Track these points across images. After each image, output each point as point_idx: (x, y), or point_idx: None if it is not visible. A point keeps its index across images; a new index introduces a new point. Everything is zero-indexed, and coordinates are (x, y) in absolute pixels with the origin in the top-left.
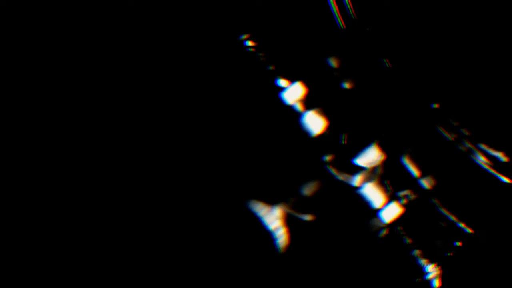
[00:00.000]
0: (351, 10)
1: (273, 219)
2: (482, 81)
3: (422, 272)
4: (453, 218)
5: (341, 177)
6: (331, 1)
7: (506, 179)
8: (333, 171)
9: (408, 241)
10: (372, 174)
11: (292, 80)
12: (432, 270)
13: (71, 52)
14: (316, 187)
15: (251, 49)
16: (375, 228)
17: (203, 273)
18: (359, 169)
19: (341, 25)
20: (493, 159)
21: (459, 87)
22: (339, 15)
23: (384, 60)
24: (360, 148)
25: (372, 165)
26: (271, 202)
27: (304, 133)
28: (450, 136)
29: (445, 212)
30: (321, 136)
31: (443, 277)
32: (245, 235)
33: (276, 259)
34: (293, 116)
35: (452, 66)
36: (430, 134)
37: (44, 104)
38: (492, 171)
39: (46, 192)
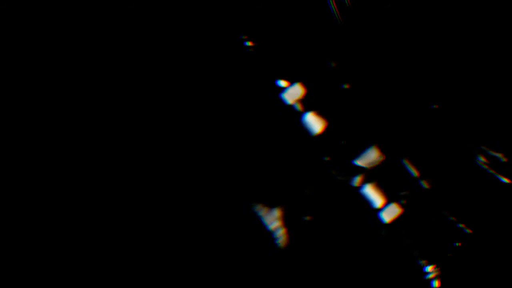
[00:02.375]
0: (350, 10)
1: (273, 219)
2: (482, 81)
3: (422, 273)
4: (452, 218)
5: (341, 177)
6: (331, 2)
7: (505, 180)
8: (333, 171)
9: (408, 241)
10: (372, 174)
11: (291, 80)
12: (431, 271)
13: (73, 53)
14: (316, 188)
15: (251, 49)
16: (375, 228)
17: (203, 273)
18: (359, 169)
19: (340, 25)
20: (492, 160)
21: (459, 87)
22: (339, 15)
23: (383, 61)
24: (359, 148)
25: (372, 165)
26: (271, 202)
27: (304, 133)
28: (449, 137)
29: (444, 212)
30: (321, 137)
31: (442, 277)
32: (245, 235)
33: (276, 259)
34: (293, 116)
35: (451, 66)
36: (430, 134)
37: (45, 104)
38: (492, 171)
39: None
